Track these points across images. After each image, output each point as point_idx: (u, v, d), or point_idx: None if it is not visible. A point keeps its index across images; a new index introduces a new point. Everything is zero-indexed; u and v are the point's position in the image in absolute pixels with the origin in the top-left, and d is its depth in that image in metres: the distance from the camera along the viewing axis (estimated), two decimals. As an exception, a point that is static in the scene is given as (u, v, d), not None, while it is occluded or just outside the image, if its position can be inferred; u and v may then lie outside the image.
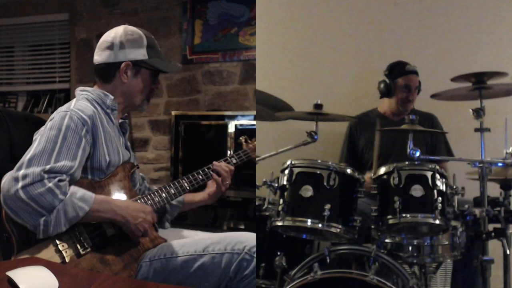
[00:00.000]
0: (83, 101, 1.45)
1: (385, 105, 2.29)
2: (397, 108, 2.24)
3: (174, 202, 1.71)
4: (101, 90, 1.52)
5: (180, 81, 3.68)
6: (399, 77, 2.19)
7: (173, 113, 3.59)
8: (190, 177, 1.63)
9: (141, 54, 1.52)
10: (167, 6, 3.73)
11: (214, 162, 1.69)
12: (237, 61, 3.54)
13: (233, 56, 3.53)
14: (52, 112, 1.46)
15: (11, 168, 1.27)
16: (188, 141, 3.49)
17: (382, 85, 2.23)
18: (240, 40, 3.51)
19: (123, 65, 1.50)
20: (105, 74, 1.53)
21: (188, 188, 1.61)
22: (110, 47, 1.51)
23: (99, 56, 1.54)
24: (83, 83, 3.95)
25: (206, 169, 1.67)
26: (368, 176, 1.77)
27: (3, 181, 1.24)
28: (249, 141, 1.84)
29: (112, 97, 1.52)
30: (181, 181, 1.61)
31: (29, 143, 1.45)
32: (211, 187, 1.73)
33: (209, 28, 3.60)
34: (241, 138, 1.86)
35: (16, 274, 0.96)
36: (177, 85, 3.69)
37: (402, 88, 2.20)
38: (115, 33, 1.53)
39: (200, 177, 1.64)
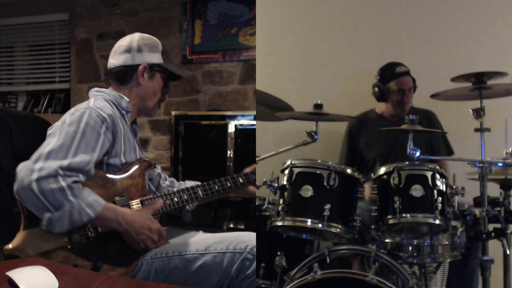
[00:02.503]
0: (101, 101, 1.48)
1: (383, 107, 2.29)
2: (394, 111, 2.24)
3: None
4: (117, 92, 1.56)
5: (180, 81, 3.66)
6: (390, 80, 2.18)
7: (173, 113, 3.59)
8: (206, 186, 1.65)
9: (156, 58, 1.58)
10: (167, 6, 3.73)
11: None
12: (237, 61, 3.54)
13: (233, 56, 3.53)
14: (52, 112, 1.47)
15: (13, 168, 1.28)
16: (188, 141, 3.49)
17: (376, 90, 2.23)
18: (240, 40, 3.51)
19: (141, 67, 1.55)
20: (122, 77, 1.57)
21: (202, 196, 1.62)
22: (128, 50, 1.56)
23: (116, 59, 1.58)
24: (83, 83, 3.95)
25: (223, 180, 1.67)
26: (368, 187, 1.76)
27: (18, 170, 1.26)
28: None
29: (127, 99, 1.55)
30: (195, 188, 1.62)
31: (30, 142, 1.46)
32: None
33: (209, 28, 3.60)
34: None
35: (16, 274, 0.96)
36: (177, 85, 3.69)
37: (396, 91, 2.18)
38: (131, 38, 1.59)
39: (216, 187, 1.65)
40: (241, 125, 3.32)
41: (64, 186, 1.24)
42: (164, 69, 1.60)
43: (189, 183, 1.75)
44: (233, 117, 3.35)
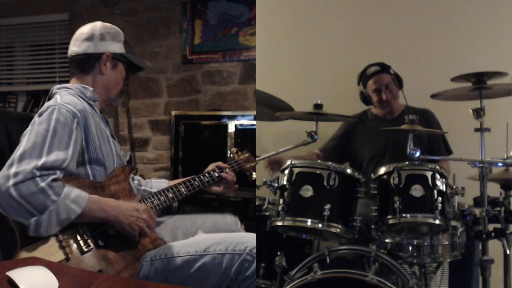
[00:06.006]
0: (68, 96, 1.44)
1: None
2: (383, 110, 2.25)
3: None
4: (80, 84, 1.52)
5: (180, 81, 3.69)
6: (366, 83, 2.21)
7: (173, 113, 3.59)
8: (187, 182, 1.68)
9: (118, 47, 1.57)
10: (167, 6, 3.73)
11: (222, 171, 1.74)
12: (237, 61, 3.54)
13: (233, 56, 3.53)
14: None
15: None
16: (188, 141, 3.49)
17: (360, 96, 2.25)
18: (240, 40, 3.51)
19: (104, 55, 1.53)
20: (84, 65, 1.54)
21: (185, 193, 1.65)
22: (90, 38, 1.53)
23: (78, 47, 1.54)
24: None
25: (206, 174, 1.71)
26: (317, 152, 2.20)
27: None
28: (240, 153, 1.87)
29: (92, 89, 1.52)
30: (178, 186, 1.65)
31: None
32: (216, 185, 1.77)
33: (209, 28, 3.60)
34: (232, 149, 1.92)
35: (16, 274, 0.96)
36: (177, 85, 3.69)
37: (373, 92, 2.20)
38: (93, 26, 1.56)
39: (196, 183, 1.68)
40: (241, 125, 3.32)
41: (43, 186, 1.21)
42: (126, 60, 1.59)
43: (155, 181, 1.79)
44: (233, 117, 3.35)
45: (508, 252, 1.60)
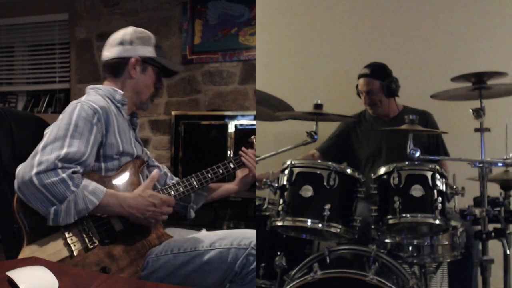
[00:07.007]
0: (94, 95, 1.50)
1: None
2: (370, 111, 2.23)
3: (198, 191, 1.74)
4: (111, 86, 1.57)
5: (180, 81, 3.68)
6: (358, 80, 2.20)
7: (173, 113, 3.59)
8: (199, 175, 1.65)
9: (149, 51, 1.59)
10: (167, 6, 3.73)
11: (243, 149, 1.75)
12: (237, 61, 3.54)
13: (233, 56, 3.53)
14: (52, 112, 1.48)
15: (14, 167, 1.28)
16: (188, 141, 3.49)
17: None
18: (240, 40, 3.51)
19: (132, 59, 1.56)
20: (115, 69, 1.58)
21: (196, 186, 1.63)
22: (121, 43, 1.58)
23: (109, 52, 1.59)
24: (83, 83, 3.95)
25: (221, 165, 1.70)
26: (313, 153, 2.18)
27: (18, 169, 1.26)
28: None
29: (122, 92, 1.56)
30: (190, 179, 1.63)
31: (31, 142, 1.45)
32: (240, 175, 1.79)
33: (209, 28, 3.60)
34: (252, 137, 1.87)
35: (16, 274, 0.96)
36: (177, 85, 3.69)
37: (360, 93, 2.20)
38: (124, 31, 1.60)
39: (210, 175, 1.66)
40: (241, 125, 3.32)
41: (64, 177, 1.25)
42: (156, 63, 1.61)
43: None
44: (233, 117, 3.35)
45: (508, 252, 1.60)
